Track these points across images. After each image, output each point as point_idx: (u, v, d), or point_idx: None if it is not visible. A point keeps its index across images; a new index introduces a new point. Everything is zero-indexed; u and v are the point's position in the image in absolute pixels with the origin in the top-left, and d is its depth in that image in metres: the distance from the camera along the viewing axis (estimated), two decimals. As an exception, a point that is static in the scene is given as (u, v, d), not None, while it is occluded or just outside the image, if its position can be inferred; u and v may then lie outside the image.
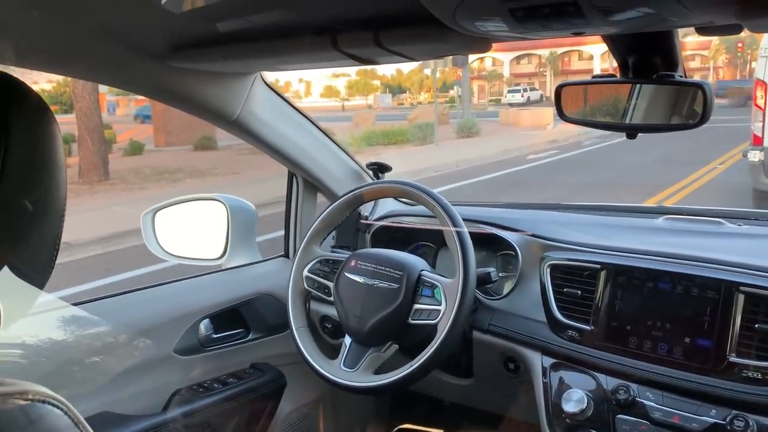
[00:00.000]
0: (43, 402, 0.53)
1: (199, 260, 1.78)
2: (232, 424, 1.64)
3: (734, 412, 1.10)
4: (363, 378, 1.37)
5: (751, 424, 1.07)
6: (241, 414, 1.67)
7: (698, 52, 48.64)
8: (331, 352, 1.50)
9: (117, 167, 12.97)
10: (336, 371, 1.40)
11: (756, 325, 1.12)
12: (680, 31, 0.95)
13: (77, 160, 12.56)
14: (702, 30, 0.85)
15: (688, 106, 1.07)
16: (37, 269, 0.60)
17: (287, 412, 1.80)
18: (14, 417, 0.51)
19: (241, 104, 1.41)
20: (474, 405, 1.77)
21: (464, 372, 1.60)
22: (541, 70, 52.11)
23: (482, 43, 0.91)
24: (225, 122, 1.44)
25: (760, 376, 1.09)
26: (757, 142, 6.41)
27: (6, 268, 0.56)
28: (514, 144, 15.55)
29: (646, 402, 1.19)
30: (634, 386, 1.21)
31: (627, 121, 1.09)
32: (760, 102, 6.32)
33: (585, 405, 1.22)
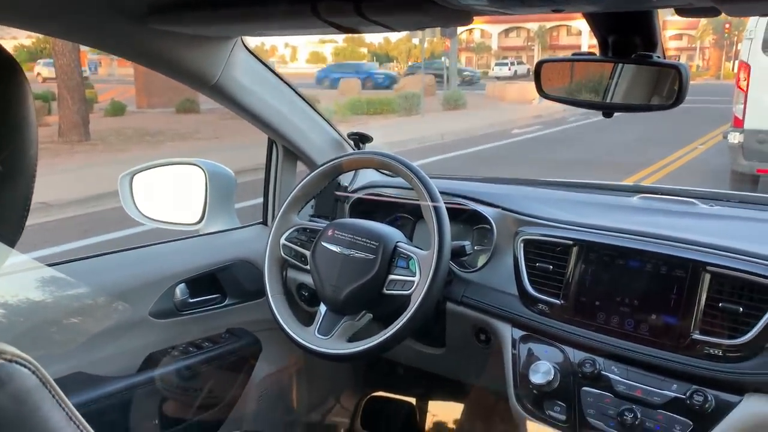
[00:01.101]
0: (11, 362, 0.53)
1: (177, 225, 1.77)
2: (206, 387, 1.66)
3: (694, 387, 1.13)
4: (337, 345, 1.39)
5: (709, 398, 1.11)
6: (215, 377, 1.68)
7: (686, 31, 48.66)
8: (307, 319, 1.52)
9: (98, 127, 12.75)
10: (310, 338, 1.42)
11: (720, 304, 1.15)
12: (665, 11, 0.96)
13: (57, 118, 12.34)
14: (681, 11, 0.85)
15: (669, 87, 1.08)
16: (7, 228, 0.60)
17: (262, 377, 1.82)
18: None
19: (221, 69, 1.40)
20: (445, 374, 1.80)
21: (436, 342, 1.63)
22: (529, 44, 51.85)
23: (463, 16, 0.91)
24: (204, 86, 1.42)
25: (720, 353, 1.12)
26: (738, 124, 6.47)
27: None
28: (500, 118, 15.54)
29: (611, 375, 1.22)
30: (600, 360, 1.24)
31: (606, 101, 1.10)
32: (743, 84, 6.36)
33: (552, 377, 1.25)
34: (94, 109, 15.74)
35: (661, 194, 1.59)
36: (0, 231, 0.59)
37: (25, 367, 0.54)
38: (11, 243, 0.61)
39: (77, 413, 0.58)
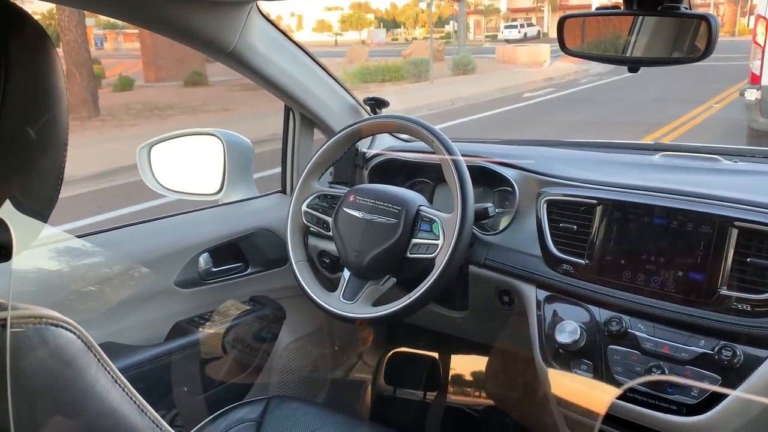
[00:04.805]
0: (56, 326, 0.54)
1: (197, 195, 1.78)
2: (233, 354, 1.68)
3: (722, 342, 1.13)
4: (362, 309, 1.40)
5: (738, 353, 1.10)
6: (241, 345, 1.71)
7: (699, -13, 47.50)
8: (329, 285, 1.52)
9: (107, 103, 12.76)
10: (335, 303, 1.43)
11: (748, 259, 1.14)
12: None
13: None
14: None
15: (690, 40, 1.06)
16: (42, 198, 0.60)
17: (286, 342, 1.84)
18: (29, 339, 0.52)
19: (237, 35, 1.38)
20: (468, 337, 1.81)
21: (459, 305, 1.64)
22: (539, 5, 50.91)
23: None
24: (221, 54, 1.41)
25: (749, 308, 1.11)
26: (755, 80, 6.34)
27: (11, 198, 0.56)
28: (511, 82, 15.36)
29: (637, 333, 1.22)
30: (626, 318, 1.24)
31: (630, 55, 1.08)
32: (760, 39, 6.23)
33: (578, 336, 1.25)
34: (102, 84, 15.74)
35: (684, 152, 1.56)
36: (35, 201, 0.59)
37: (70, 331, 0.55)
38: (44, 217, 0.61)
39: (122, 376, 0.59)
